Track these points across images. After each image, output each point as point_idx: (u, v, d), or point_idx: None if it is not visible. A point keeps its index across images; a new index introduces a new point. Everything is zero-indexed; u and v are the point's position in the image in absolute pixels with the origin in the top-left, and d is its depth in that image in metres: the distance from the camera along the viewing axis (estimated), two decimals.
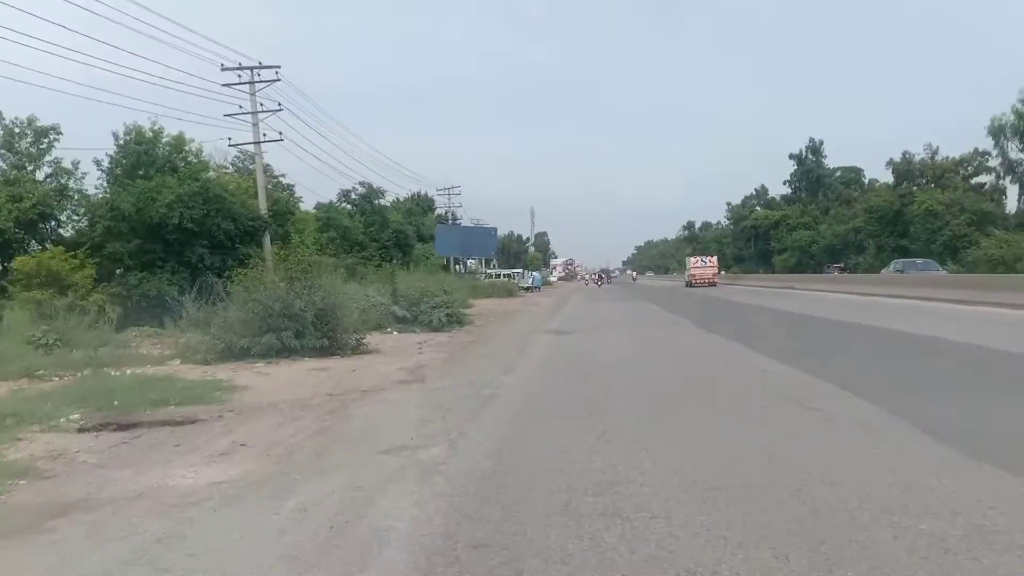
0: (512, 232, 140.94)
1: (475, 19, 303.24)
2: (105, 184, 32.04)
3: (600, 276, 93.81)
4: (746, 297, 34.41)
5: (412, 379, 10.89)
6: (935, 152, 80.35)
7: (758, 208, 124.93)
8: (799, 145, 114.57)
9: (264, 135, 32.72)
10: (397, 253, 57.53)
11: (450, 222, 71.38)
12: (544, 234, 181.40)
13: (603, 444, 6.04)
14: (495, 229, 70.67)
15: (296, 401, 9.17)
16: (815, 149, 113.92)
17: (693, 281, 60.75)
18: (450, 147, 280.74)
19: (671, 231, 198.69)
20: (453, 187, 70.68)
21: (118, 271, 29.20)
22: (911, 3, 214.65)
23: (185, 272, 28.94)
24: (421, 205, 78.94)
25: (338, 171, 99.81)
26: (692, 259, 69.74)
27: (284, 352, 13.52)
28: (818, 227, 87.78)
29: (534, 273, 65.91)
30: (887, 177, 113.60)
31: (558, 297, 48.46)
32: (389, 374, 11.47)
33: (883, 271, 35.39)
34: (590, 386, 9.46)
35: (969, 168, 77.98)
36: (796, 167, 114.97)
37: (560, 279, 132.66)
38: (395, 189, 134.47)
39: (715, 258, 72.69)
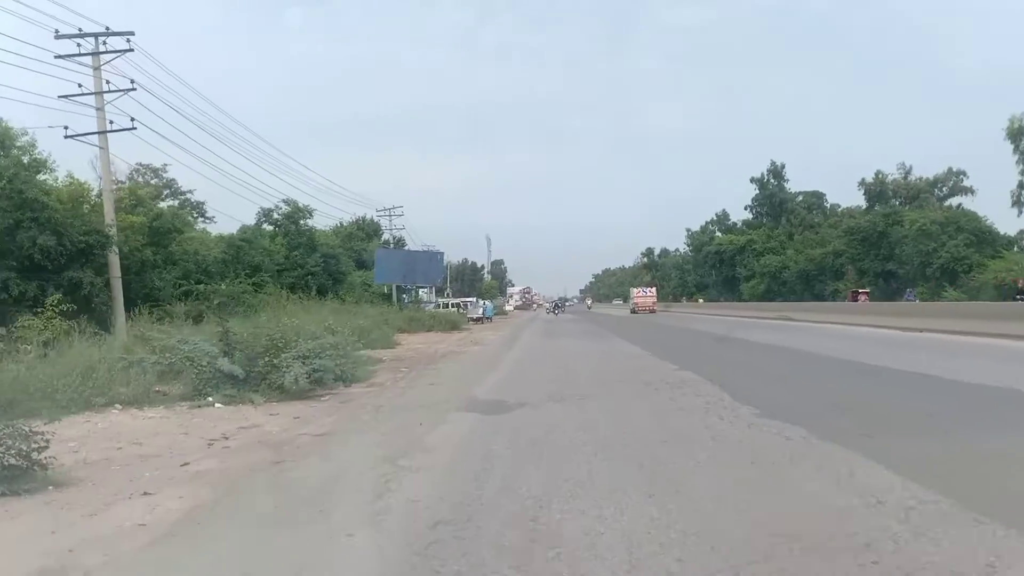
0: (467, 260, 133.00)
1: (430, 46, 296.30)
2: None
3: (556, 304, 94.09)
4: (757, 333, 26.27)
5: None
6: (908, 171, 74.46)
7: (718, 234, 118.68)
8: (759, 169, 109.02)
9: (108, 123, 23.97)
10: (326, 280, 48.97)
11: (392, 246, 62.80)
12: (501, 262, 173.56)
13: None
14: (442, 254, 62.39)
15: None
16: (777, 172, 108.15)
17: (636, 308, 72.55)
18: (405, 174, 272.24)
19: (629, 259, 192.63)
20: (395, 207, 62.20)
21: None
22: (864, 27, 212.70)
23: None
24: (365, 229, 70.62)
25: (265, 195, 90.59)
26: (635, 290, 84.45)
27: None
28: (784, 252, 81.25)
29: (485, 302, 57.64)
30: (850, 201, 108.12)
31: (510, 330, 40.24)
32: None
33: None
34: None
35: (944, 188, 72.11)
36: (758, 191, 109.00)
37: (517, 308, 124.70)
38: (338, 214, 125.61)
39: (654, 289, 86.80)
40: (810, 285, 65.86)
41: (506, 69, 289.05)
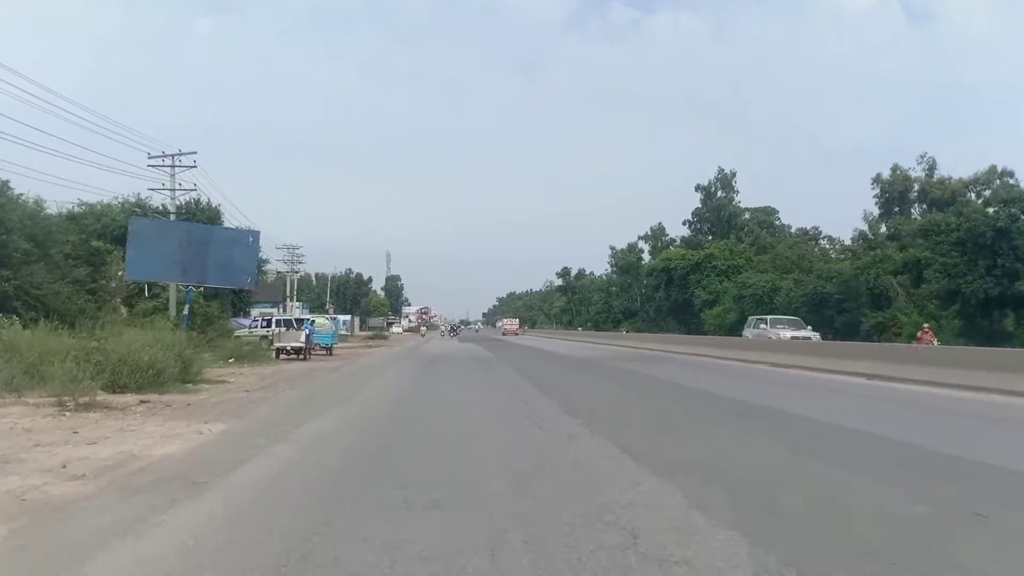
0: (350, 271, 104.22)
1: (339, 65, 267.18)
2: None
3: (453, 328, 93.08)
4: None
5: None
6: (932, 167, 51.83)
7: (646, 252, 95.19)
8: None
9: None
10: None
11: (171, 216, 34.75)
12: (397, 278, 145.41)
13: None
14: (257, 234, 34.75)
15: None
16: (726, 182, 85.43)
17: (504, 331, 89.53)
18: (310, 188, 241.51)
19: (536, 282, 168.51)
20: (181, 153, 34.17)
21: None
22: (763, 87, 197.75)
23: None
24: (198, 213, 42.39)
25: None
26: (505, 320, 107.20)
27: None
28: (749, 270, 57.64)
29: (310, 321, 30.14)
30: (801, 222, 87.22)
31: (312, 388, 13.70)
32: None
33: None
34: None
35: (986, 191, 49.62)
36: (702, 203, 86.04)
37: (407, 330, 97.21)
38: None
39: (518, 320, 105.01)
40: (823, 315, 41.67)
41: (418, 95, 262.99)
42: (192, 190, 34.28)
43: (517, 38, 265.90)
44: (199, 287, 31.85)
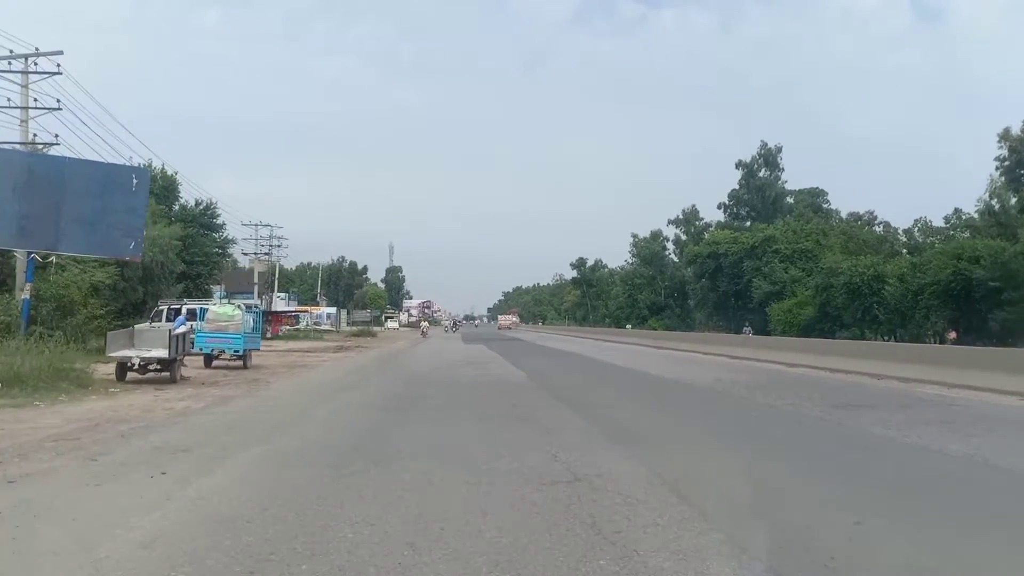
0: (343, 259, 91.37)
1: (344, 58, 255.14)
2: None
3: (454, 323, 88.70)
4: None
5: None
6: None
7: (669, 242, 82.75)
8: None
9: None
10: None
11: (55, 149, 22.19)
12: (398, 269, 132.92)
13: None
14: (144, 172, 22.32)
15: None
16: (770, 158, 72.90)
17: (500, 326, 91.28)
18: (313, 180, 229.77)
19: (544, 276, 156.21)
20: (40, 53, 21.50)
21: None
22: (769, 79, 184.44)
23: None
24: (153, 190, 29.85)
25: None
26: (501, 316, 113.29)
27: None
28: (823, 255, 45.20)
29: (182, 314, 17.63)
30: (851, 206, 74.95)
31: None
32: None
33: None
34: None
35: None
36: (742, 183, 73.56)
37: (405, 326, 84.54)
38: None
39: (513, 315, 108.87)
40: (965, 311, 29.37)
41: (422, 87, 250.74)
42: (56, 108, 21.73)
43: (524, 30, 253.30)
44: (47, 257, 19.54)
